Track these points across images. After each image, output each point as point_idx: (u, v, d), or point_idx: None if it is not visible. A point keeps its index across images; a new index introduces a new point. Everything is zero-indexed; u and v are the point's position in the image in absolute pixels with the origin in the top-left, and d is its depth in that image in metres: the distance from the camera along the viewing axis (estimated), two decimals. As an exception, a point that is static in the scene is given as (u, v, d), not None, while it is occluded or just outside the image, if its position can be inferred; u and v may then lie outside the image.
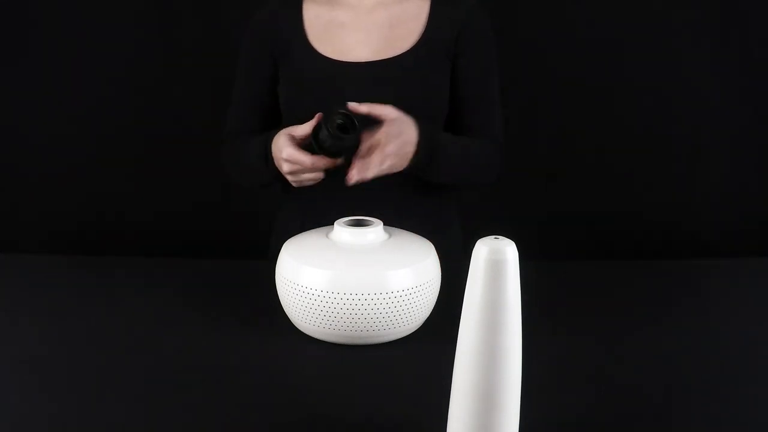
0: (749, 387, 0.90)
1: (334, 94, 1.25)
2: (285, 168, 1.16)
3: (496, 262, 0.70)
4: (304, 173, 1.16)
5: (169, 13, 1.85)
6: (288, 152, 1.14)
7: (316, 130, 1.12)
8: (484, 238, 0.71)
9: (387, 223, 1.06)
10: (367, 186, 1.15)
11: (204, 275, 1.22)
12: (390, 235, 1.04)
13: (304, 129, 1.15)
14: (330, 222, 1.06)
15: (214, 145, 1.43)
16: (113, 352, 0.97)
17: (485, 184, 1.38)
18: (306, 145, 1.15)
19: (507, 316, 0.70)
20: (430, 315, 1.01)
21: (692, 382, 0.91)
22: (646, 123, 1.93)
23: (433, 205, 1.35)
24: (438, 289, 1.01)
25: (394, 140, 1.14)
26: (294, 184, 1.19)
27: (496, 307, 0.70)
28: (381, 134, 1.13)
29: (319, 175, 1.17)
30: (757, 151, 1.94)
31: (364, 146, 1.13)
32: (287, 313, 1.00)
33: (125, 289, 1.16)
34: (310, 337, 1.00)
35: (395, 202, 1.27)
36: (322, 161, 1.13)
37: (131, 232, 1.93)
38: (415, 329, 1.00)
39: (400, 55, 1.28)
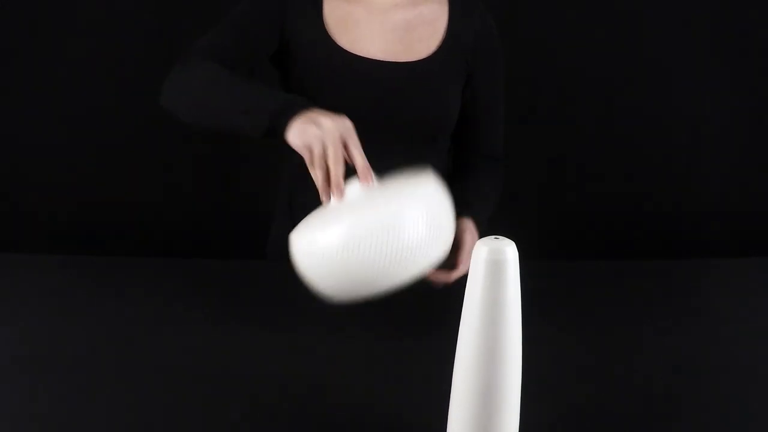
0: (749, 386, 0.90)
1: (349, 87, 1.23)
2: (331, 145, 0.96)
3: (496, 262, 0.70)
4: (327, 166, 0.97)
5: (169, 13, 1.85)
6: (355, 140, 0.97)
7: None
8: (484, 238, 0.71)
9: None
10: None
11: (204, 275, 1.22)
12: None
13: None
14: None
15: (212, 145, 1.41)
16: (113, 352, 0.97)
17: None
18: None
19: (507, 316, 0.70)
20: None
21: (692, 381, 0.91)
22: (646, 123, 1.93)
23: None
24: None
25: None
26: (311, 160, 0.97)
27: (496, 307, 0.70)
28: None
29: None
30: (757, 150, 1.95)
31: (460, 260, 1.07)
32: (307, 279, 0.92)
33: (125, 289, 1.16)
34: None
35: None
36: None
37: (131, 232, 1.93)
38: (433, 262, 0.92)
39: (419, 60, 1.25)
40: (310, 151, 0.97)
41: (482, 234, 1.21)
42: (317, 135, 0.96)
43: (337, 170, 0.95)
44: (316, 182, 0.96)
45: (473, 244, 1.11)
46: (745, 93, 1.91)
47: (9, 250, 1.32)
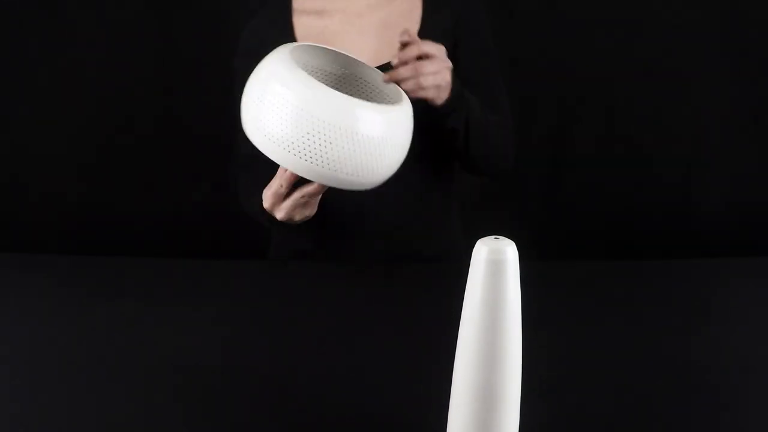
0: (749, 387, 0.90)
1: None
2: (267, 203, 1.15)
3: (496, 262, 0.70)
4: (283, 196, 1.14)
5: (169, 13, 1.85)
6: (264, 193, 1.15)
7: None
8: (484, 238, 0.71)
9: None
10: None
11: (204, 275, 1.22)
12: None
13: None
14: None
15: (212, 145, 1.42)
16: (113, 352, 0.97)
17: (503, 166, 1.35)
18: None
19: (507, 316, 0.70)
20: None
21: (692, 382, 0.91)
22: (647, 123, 1.93)
23: (434, 206, 1.35)
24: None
25: (433, 59, 1.11)
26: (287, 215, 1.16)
27: (496, 307, 0.70)
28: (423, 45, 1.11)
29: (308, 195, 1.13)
30: (757, 150, 1.94)
31: (403, 54, 1.10)
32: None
33: (125, 289, 1.16)
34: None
35: (396, 203, 1.27)
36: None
37: (131, 232, 1.93)
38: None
39: None
40: (293, 214, 1.14)
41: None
42: (280, 207, 1.14)
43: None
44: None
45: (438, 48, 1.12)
46: (746, 93, 1.90)
47: (9, 250, 1.32)
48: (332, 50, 1.15)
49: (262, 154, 1.01)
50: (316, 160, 0.96)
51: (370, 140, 0.97)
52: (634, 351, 0.99)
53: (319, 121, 0.95)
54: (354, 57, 1.15)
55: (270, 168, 1.15)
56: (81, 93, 1.88)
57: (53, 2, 1.83)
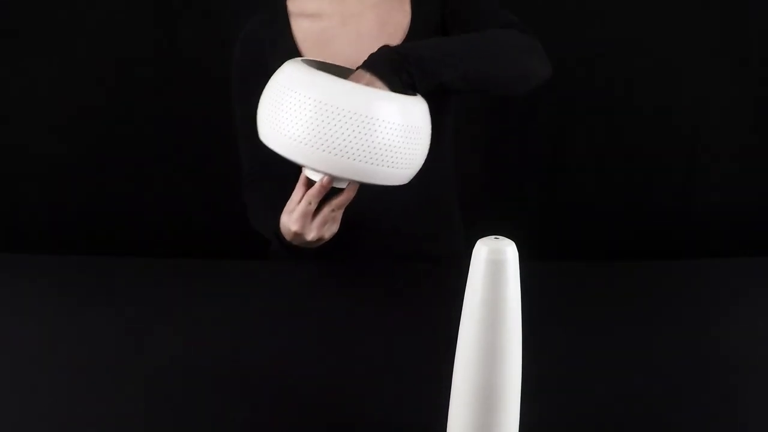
0: (749, 387, 0.90)
1: None
2: (296, 227, 1.09)
3: (496, 262, 0.70)
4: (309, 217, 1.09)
5: (170, 12, 1.85)
6: (284, 219, 1.11)
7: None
8: (484, 238, 0.71)
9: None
10: (369, 186, 1.14)
11: (204, 275, 1.22)
12: None
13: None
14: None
15: (213, 144, 1.42)
16: (113, 353, 0.97)
17: (532, 73, 1.28)
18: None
19: (507, 316, 0.70)
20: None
21: (693, 382, 0.91)
22: (647, 122, 1.93)
23: (435, 205, 1.35)
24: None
25: None
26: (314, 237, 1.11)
27: (496, 307, 0.70)
28: None
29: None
30: (757, 150, 1.94)
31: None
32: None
33: (125, 289, 1.16)
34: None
35: (397, 203, 1.27)
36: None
37: (131, 232, 1.93)
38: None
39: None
40: (323, 232, 1.10)
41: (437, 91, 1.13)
42: (310, 227, 1.10)
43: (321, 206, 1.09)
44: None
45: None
46: (746, 92, 1.90)
47: (9, 250, 1.32)
48: (330, 63, 1.16)
49: (282, 166, 1.00)
50: (357, 154, 0.96)
51: (404, 127, 0.98)
52: (633, 351, 0.99)
53: (352, 113, 0.95)
54: (350, 67, 1.15)
55: (281, 188, 1.13)
56: (81, 93, 1.88)
57: (54, 2, 1.83)
